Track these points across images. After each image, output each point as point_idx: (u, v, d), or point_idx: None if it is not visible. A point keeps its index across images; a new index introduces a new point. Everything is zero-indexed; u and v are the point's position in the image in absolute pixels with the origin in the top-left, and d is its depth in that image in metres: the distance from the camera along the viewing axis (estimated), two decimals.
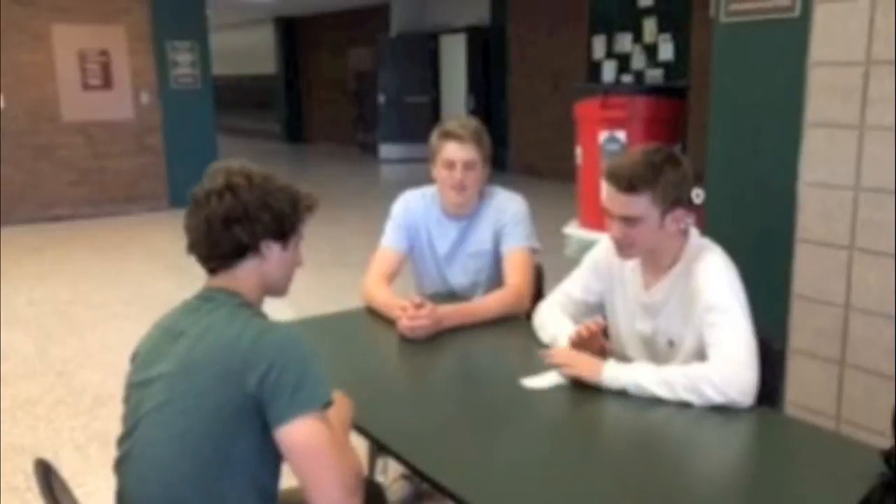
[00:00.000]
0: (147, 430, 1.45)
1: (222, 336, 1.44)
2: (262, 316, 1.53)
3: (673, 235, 1.97)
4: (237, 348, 1.41)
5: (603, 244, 2.21)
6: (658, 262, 2.03)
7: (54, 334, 4.84)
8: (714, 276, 1.90)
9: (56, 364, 4.34)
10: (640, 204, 1.92)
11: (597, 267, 2.21)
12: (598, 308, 2.24)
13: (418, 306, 2.24)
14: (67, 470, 1.54)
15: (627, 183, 1.92)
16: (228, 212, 1.48)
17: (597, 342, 1.98)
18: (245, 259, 1.53)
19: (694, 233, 2.02)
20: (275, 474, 1.49)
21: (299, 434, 1.36)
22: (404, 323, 2.21)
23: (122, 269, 6.49)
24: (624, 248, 2.01)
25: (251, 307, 1.54)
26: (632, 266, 2.11)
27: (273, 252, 1.55)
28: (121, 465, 1.50)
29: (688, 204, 1.97)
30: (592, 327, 1.97)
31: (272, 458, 1.43)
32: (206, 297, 1.54)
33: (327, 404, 1.41)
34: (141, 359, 1.55)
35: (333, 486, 1.35)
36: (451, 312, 2.31)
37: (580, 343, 1.97)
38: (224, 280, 1.54)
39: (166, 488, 1.42)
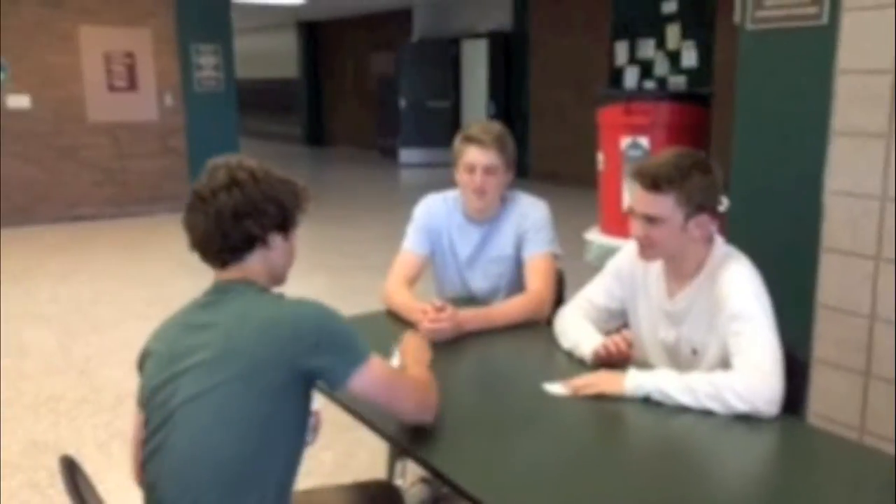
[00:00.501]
0: (188, 418, 1.46)
1: (262, 317, 1.49)
2: (284, 296, 1.59)
3: (696, 241, 1.96)
4: (282, 325, 1.48)
5: (626, 250, 2.19)
6: (681, 269, 2.01)
7: (77, 332, 4.89)
8: (739, 285, 1.89)
9: (78, 362, 4.38)
10: (664, 204, 1.91)
11: (619, 273, 2.20)
12: (621, 314, 2.22)
13: (439, 309, 2.24)
14: (89, 467, 1.55)
15: (652, 181, 1.91)
16: (238, 206, 1.53)
17: (623, 356, 1.97)
18: (254, 251, 1.58)
19: (719, 241, 2.01)
20: (303, 445, 1.57)
21: (367, 377, 1.52)
22: (425, 325, 2.21)
23: (144, 268, 6.55)
24: (645, 248, 2.00)
25: (268, 291, 1.60)
26: (655, 273, 2.10)
27: (276, 242, 1.60)
28: (152, 459, 1.51)
29: (713, 211, 1.95)
30: (621, 345, 1.95)
31: (303, 433, 1.55)
32: (222, 290, 1.57)
33: (370, 350, 1.55)
34: (158, 360, 1.55)
35: (410, 401, 1.63)
36: (472, 317, 2.31)
37: (607, 357, 1.96)
38: (235, 273, 1.58)
39: (216, 469, 1.43)
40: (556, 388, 1.91)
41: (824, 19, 2.58)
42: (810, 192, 2.66)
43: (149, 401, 1.54)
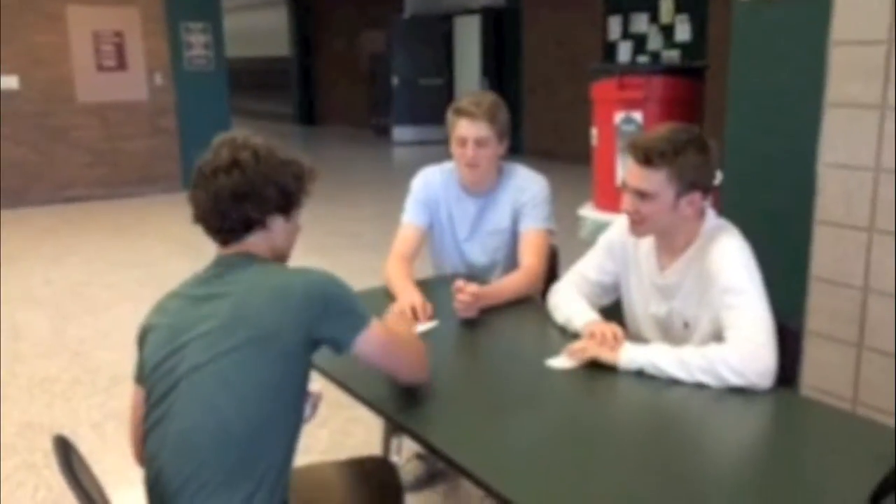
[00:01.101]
0: (193, 386, 1.46)
1: (272, 284, 1.52)
2: (288, 267, 1.62)
3: (687, 218, 1.95)
4: (293, 293, 1.50)
5: (618, 225, 2.19)
6: (672, 244, 2.01)
7: (70, 314, 4.88)
8: (730, 258, 1.88)
9: (72, 343, 4.38)
10: (656, 179, 1.89)
11: (611, 248, 2.20)
12: (613, 289, 2.22)
13: (460, 289, 2.22)
14: (84, 448, 1.54)
15: (645, 155, 1.90)
16: (237, 188, 1.53)
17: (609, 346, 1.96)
18: (253, 232, 1.58)
19: (710, 214, 2.00)
20: (301, 420, 1.59)
21: (370, 341, 1.58)
22: (457, 305, 2.20)
23: (137, 249, 6.53)
24: (635, 223, 1.99)
25: (271, 262, 1.61)
26: (646, 248, 2.10)
27: (277, 224, 1.60)
28: (154, 430, 1.50)
29: (706, 189, 1.94)
30: (609, 340, 1.90)
31: (301, 405, 1.58)
32: (226, 263, 1.57)
33: (370, 317, 1.60)
34: (161, 334, 1.54)
35: (407, 362, 1.71)
36: (481, 292, 2.30)
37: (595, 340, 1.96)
38: (237, 248, 1.59)
39: (220, 438, 1.43)
40: (557, 362, 1.91)
41: None
42: (804, 164, 2.65)
43: (151, 374, 1.53)
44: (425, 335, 2.08)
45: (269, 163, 1.56)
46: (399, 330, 1.82)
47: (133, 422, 1.64)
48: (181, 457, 1.45)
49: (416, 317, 2.22)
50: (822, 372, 2.66)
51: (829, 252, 2.63)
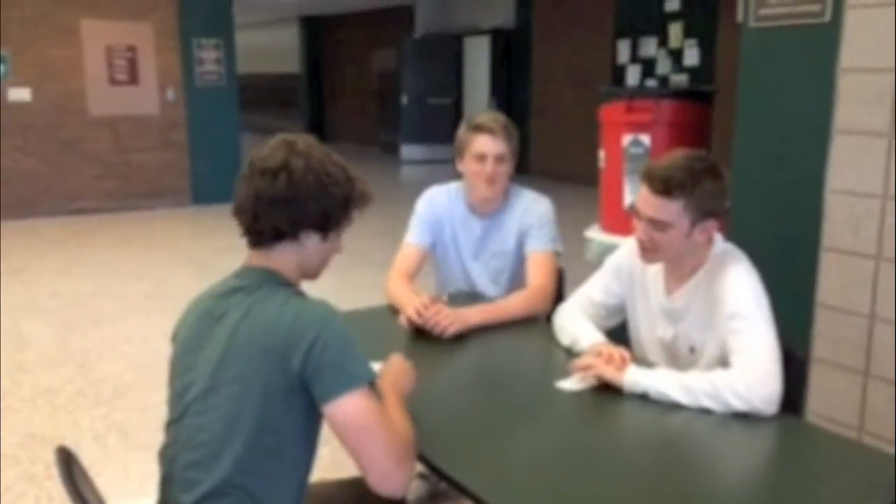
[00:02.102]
0: (195, 416, 1.45)
1: (263, 317, 1.44)
2: (301, 294, 1.53)
3: (698, 246, 1.95)
4: (278, 328, 1.41)
5: (625, 248, 2.19)
6: (681, 269, 2.01)
7: (76, 325, 4.88)
8: (738, 283, 1.88)
9: (77, 355, 4.38)
10: (672, 210, 1.88)
11: (618, 271, 2.19)
12: (619, 311, 2.22)
13: (432, 302, 2.26)
14: (86, 460, 1.54)
15: (662, 186, 1.88)
16: (278, 195, 1.46)
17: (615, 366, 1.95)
18: (282, 243, 1.52)
19: (718, 238, 2.00)
20: (313, 456, 1.53)
21: (348, 411, 1.38)
22: (440, 325, 2.21)
23: (144, 262, 6.54)
24: (647, 251, 1.98)
25: (289, 286, 1.53)
26: (654, 271, 2.09)
27: (312, 241, 1.53)
28: (167, 451, 1.51)
29: (720, 217, 1.94)
30: (616, 361, 1.89)
31: (314, 438, 1.49)
32: (246, 277, 1.53)
33: (371, 382, 1.43)
34: (182, 342, 1.55)
35: (382, 459, 1.39)
36: (476, 312, 2.31)
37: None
38: (262, 258, 1.54)
39: (216, 468, 1.41)
40: (567, 384, 1.90)
41: (827, 17, 2.57)
42: (811, 190, 2.65)
43: (173, 381, 1.54)
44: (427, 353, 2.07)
45: (319, 177, 1.48)
46: (385, 387, 1.56)
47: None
48: (185, 486, 1.44)
49: (420, 319, 2.22)
50: (827, 399, 2.65)
51: (835, 279, 2.63)
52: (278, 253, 1.53)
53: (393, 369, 1.72)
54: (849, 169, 2.56)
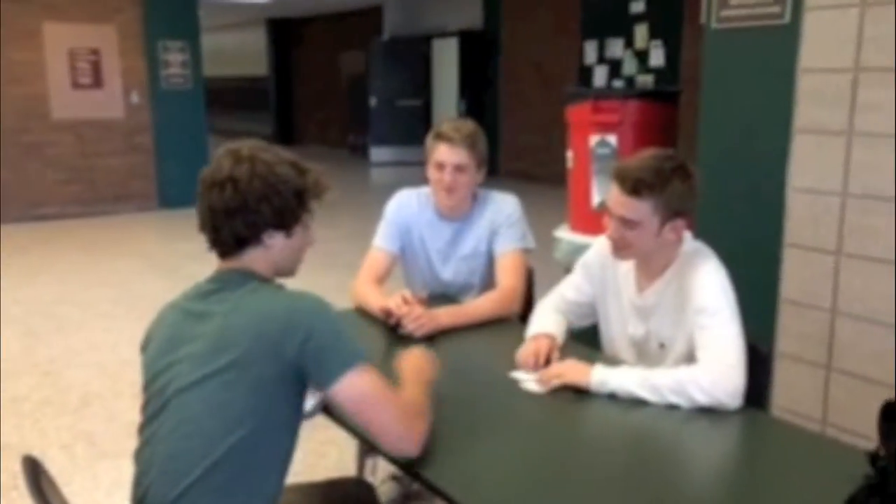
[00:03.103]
0: (180, 408, 1.46)
1: (256, 309, 1.48)
2: (284, 288, 1.57)
3: (668, 244, 1.98)
4: (273, 318, 1.46)
5: (596, 246, 2.21)
6: (651, 266, 2.04)
7: (41, 333, 4.81)
8: (706, 280, 1.91)
9: (42, 363, 4.31)
10: (642, 209, 1.91)
11: (589, 269, 2.22)
12: (592, 309, 2.24)
13: (406, 302, 2.27)
14: (53, 469, 1.52)
15: (633, 186, 1.91)
16: (228, 204, 1.50)
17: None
18: (248, 248, 1.55)
19: (688, 236, 2.03)
20: (294, 447, 1.55)
21: (353, 386, 1.45)
22: (409, 327, 2.23)
23: (110, 268, 6.46)
24: (619, 248, 2.01)
25: (270, 283, 1.57)
26: (626, 269, 2.12)
27: (276, 241, 1.56)
28: (146, 447, 1.50)
29: (689, 216, 1.97)
30: (533, 358, 2.00)
31: (296, 430, 1.53)
32: (222, 280, 1.55)
33: (366, 358, 1.49)
34: (159, 344, 1.55)
35: (393, 424, 1.49)
36: (446, 314, 2.32)
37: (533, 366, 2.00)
38: (235, 263, 1.57)
39: (203, 459, 1.41)
40: (528, 384, 1.92)
41: (786, 18, 2.62)
42: (774, 188, 2.70)
43: (147, 385, 1.54)
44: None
45: (266, 179, 1.51)
46: (408, 382, 1.65)
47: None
48: (169, 479, 1.44)
49: (398, 315, 2.25)
50: (791, 393, 2.70)
51: (797, 275, 2.68)
52: (248, 257, 1.56)
53: (412, 362, 1.78)
54: (809, 167, 2.62)
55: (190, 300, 1.57)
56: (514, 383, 1.95)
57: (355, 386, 1.45)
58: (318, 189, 1.61)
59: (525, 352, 2.03)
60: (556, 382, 1.90)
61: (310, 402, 1.66)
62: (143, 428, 1.53)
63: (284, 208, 1.54)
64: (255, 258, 1.56)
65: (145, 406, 1.54)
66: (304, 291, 1.53)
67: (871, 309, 2.48)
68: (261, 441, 1.45)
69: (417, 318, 2.24)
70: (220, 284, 1.54)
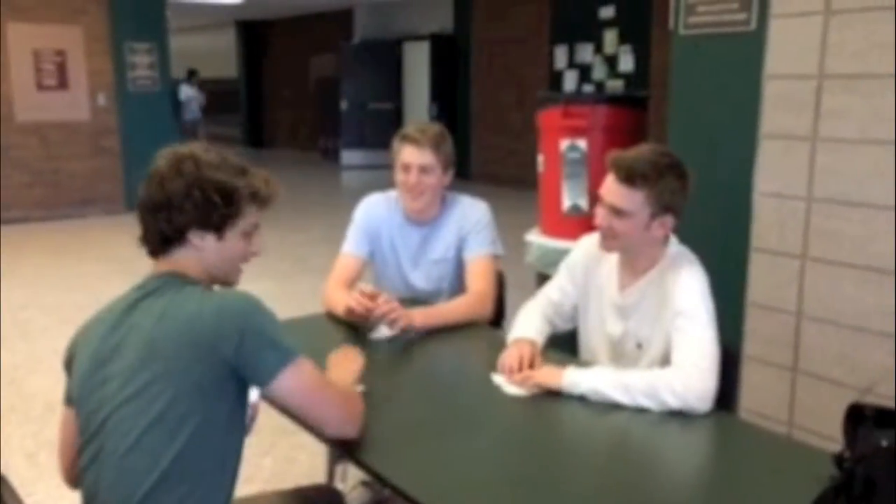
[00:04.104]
0: (118, 425, 1.42)
1: (182, 314, 1.44)
2: (212, 289, 1.55)
3: (655, 240, 2.00)
4: (203, 322, 1.43)
5: (580, 246, 2.23)
6: (635, 264, 2.05)
7: (4, 339, 4.71)
8: (688, 283, 1.93)
9: (6, 370, 4.22)
10: (634, 199, 1.93)
11: (573, 268, 2.23)
12: (575, 310, 2.25)
13: (371, 297, 2.27)
14: (16, 479, 1.49)
15: (627, 174, 1.92)
16: (152, 199, 1.49)
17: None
18: (176, 247, 1.52)
19: (673, 240, 2.05)
20: (242, 447, 1.53)
21: (293, 381, 1.46)
22: (388, 317, 2.22)
23: (77, 272, 6.36)
24: (607, 238, 2.02)
25: (199, 284, 1.53)
26: (608, 267, 2.13)
27: (207, 243, 1.53)
28: (90, 468, 1.46)
29: (678, 214, 1.98)
30: (524, 366, 1.98)
31: (242, 427, 1.52)
32: (148, 286, 1.52)
33: (298, 352, 1.49)
34: (87, 361, 1.50)
35: (335, 411, 1.55)
36: (420, 313, 2.32)
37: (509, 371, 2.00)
38: (164, 265, 1.54)
39: (151, 472, 1.39)
40: (510, 388, 1.93)
41: (752, 25, 2.66)
42: (741, 192, 2.74)
43: (82, 403, 1.49)
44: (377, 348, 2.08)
45: (194, 176, 1.48)
46: (336, 375, 1.73)
47: (61, 444, 1.58)
48: (119, 497, 1.41)
49: (366, 312, 2.25)
50: (758, 395, 2.73)
51: (764, 278, 2.72)
52: (177, 258, 1.53)
53: (341, 357, 1.86)
54: (775, 172, 2.65)
55: (117, 312, 1.51)
56: (487, 387, 1.95)
57: (295, 380, 1.46)
58: (256, 192, 1.55)
59: (508, 356, 2.02)
60: (528, 384, 1.90)
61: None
62: (82, 450, 1.48)
63: (209, 207, 1.49)
64: (186, 261, 1.53)
65: (83, 428, 1.49)
66: (232, 290, 1.53)
67: (836, 312, 2.52)
68: (206, 445, 1.42)
69: (395, 309, 2.22)
70: (147, 290, 1.51)
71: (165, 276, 1.52)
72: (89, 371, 1.49)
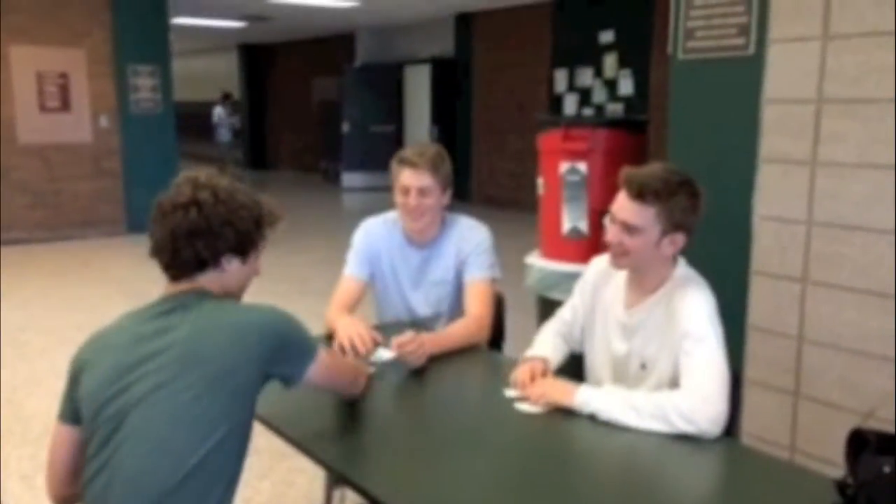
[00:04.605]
0: (141, 427, 1.44)
1: (225, 322, 1.54)
2: (241, 302, 1.68)
3: (665, 259, 2.00)
4: (249, 332, 1.53)
5: (593, 266, 2.24)
6: (643, 283, 2.05)
7: (3, 361, 4.69)
8: (695, 306, 1.93)
9: (4, 391, 4.21)
10: (645, 215, 1.93)
11: (584, 287, 2.24)
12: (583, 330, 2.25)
13: (375, 341, 2.31)
14: (13, 501, 1.48)
15: (639, 191, 1.93)
16: (192, 227, 1.54)
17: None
18: (205, 272, 1.59)
19: (681, 262, 2.05)
20: (242, 469, 1.57)
21: (320, 369, 1.66)
22: (407, 357, 2.19)
23: (77, 294, 6.35)
24: (617, 255, 2.02)
25: (222, 300, 1.62)
26: (616, 286, 2.13)
27: (233, 266, 1.62)
28: (96, 479, 1.45)
29: (688, 233, 1.98)
30: (527, 380, 2.01)
31: (250, 434, 1.59)
32: (177, 301, 1.56)
33: (318, 343, 1.69)
34: (104, 372, 1.49)
35: (350, 381, 1.87)
36: (429, 340, 2.30)
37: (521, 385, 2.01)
38: (188, 285, 1.59)
39: (176, 472, 1.42)
40: (521, 404, 1.95)
41: (751, 50, 2.68)
42: (741, 216, 2.74)
43: (93, 418, 1.48)
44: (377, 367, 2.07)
45: (228, 204, 1.57)
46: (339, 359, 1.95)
47: (53, 461, 1.58)
48: (135, 499, 1.41)
49: (357, 351, 2.27)
50: (760, 419, 2.72)
51: (764, 302, 2.71)
52: (203, 279, 1.60)
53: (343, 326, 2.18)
54: (775, 196, 2.66)
55: (137, 323, 1.55)
56: (488, 409, 1.95)
57: (322, 368, 1.66)
58: (272, 218, 1.69)
59: (520, 372, 2.04)
60: (541, 402, 1.92)
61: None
62: (89, 461, 1.48)
63: (246, 234, 1.61)
64: (208, 281, 1.60)
65: (91, 438, 1.48)
66: (260, 303, 1.62)
67: (837, 336, 2.52)
68: (228, 447, 1.48)
69: (420, 346, 2.20)
70: (173, 305, 1.56)
71: (189, 293, 1.58)
72: (110, 380, 1.48)
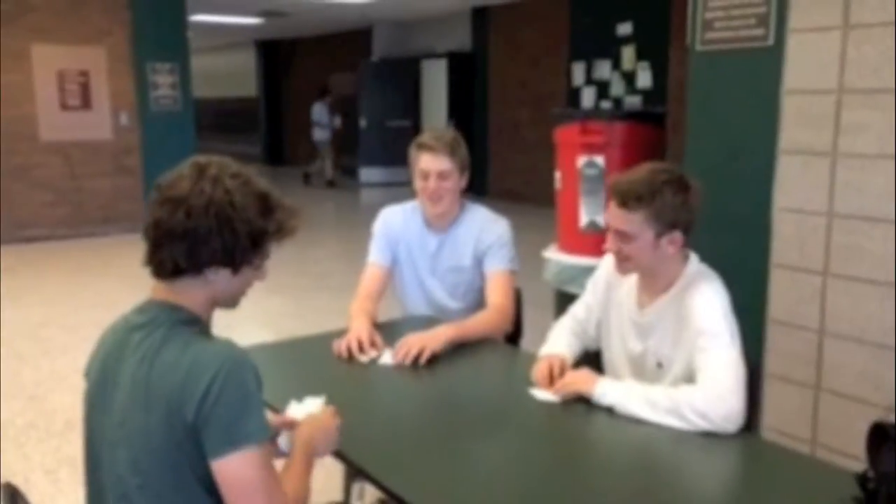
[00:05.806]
0: (110, 465, 1.39)
1: (161, 364, 1.33)
2: (204, 334, 1.41)
3: (670, 258, 1.98)
4: (174, 379, 1.31)
5: (604, 264, 2.24)
6: (654, 283, 2.04)
7: (26, 356, 4.76)
8: (708, 302, 1.92)
9: (28, 387, 4.27)
10: (634, 221, 1.93)
11: (596, 285, 2.24)
12: (598, 327, 2.25)
13: (374, 344, 2.32)
14: (36, 495, 1.50)
15: (622, 199, 1.93)
16: (174, 229, 1.34)
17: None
18: (184, 278, 1.39)
19: (693, 258, 2.04)
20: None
21: (233, 470, 1.29)
22: (409, 360, 2.21)
23: (97, 290, 6.42)
24: (620, 262, 2.03)
25: (193, 324, 1.40)
26: (628, 286, 2.13)
27: (221, 277, 1.40)
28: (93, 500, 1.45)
29: (688, 228, 1.97)
30: (547, 377, 2.02)
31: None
32: (145, 312, 1.42)
33: (262, 442, 1.33)
34: (98, 370, 1.45)
35: None
36: (453, 328, 2.33)
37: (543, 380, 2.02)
38: (165, 292, 1.41)
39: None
40: (542, 395, 1.96)
41: (770, 41, 2.65)
42: (761, 208, 2.72)
43: (87, 418, 1.47)
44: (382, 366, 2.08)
45: (223, 212, 1.35)
46: (295, 470, 1.48)
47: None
48: None
49: (361, 348, 2.29)
50: (781, 413, 2.70)
51: (785, 295, 2.69)
52: (182, 287, 1.40)
53: (313, 425, 1.61)
54: (795, 188, 2.63)
55: (118, 332, 1.45)
56: (506, 403, 1.96)
57: (234, 470, 1.29)
58: (281, 233, 1.45)
59: (538, 370, 2.05)
60: (565, 390, 1.93)
61: (283, 440, 1.62)
62: (88, 474, 1.46)
63: (235, 249, 1.38)
64: (191, 291, 1.40)
65: (87, 445, 1.46)
66: (219, 343, 1.37)
67: (859, 329, 2.49)
68: (188, 493, 1.32)
69: (415, 345, 2.21)
70: (143, 319, 1.41)
71: (164, 307, 1.40)
72: (98, 383, 1.44)
